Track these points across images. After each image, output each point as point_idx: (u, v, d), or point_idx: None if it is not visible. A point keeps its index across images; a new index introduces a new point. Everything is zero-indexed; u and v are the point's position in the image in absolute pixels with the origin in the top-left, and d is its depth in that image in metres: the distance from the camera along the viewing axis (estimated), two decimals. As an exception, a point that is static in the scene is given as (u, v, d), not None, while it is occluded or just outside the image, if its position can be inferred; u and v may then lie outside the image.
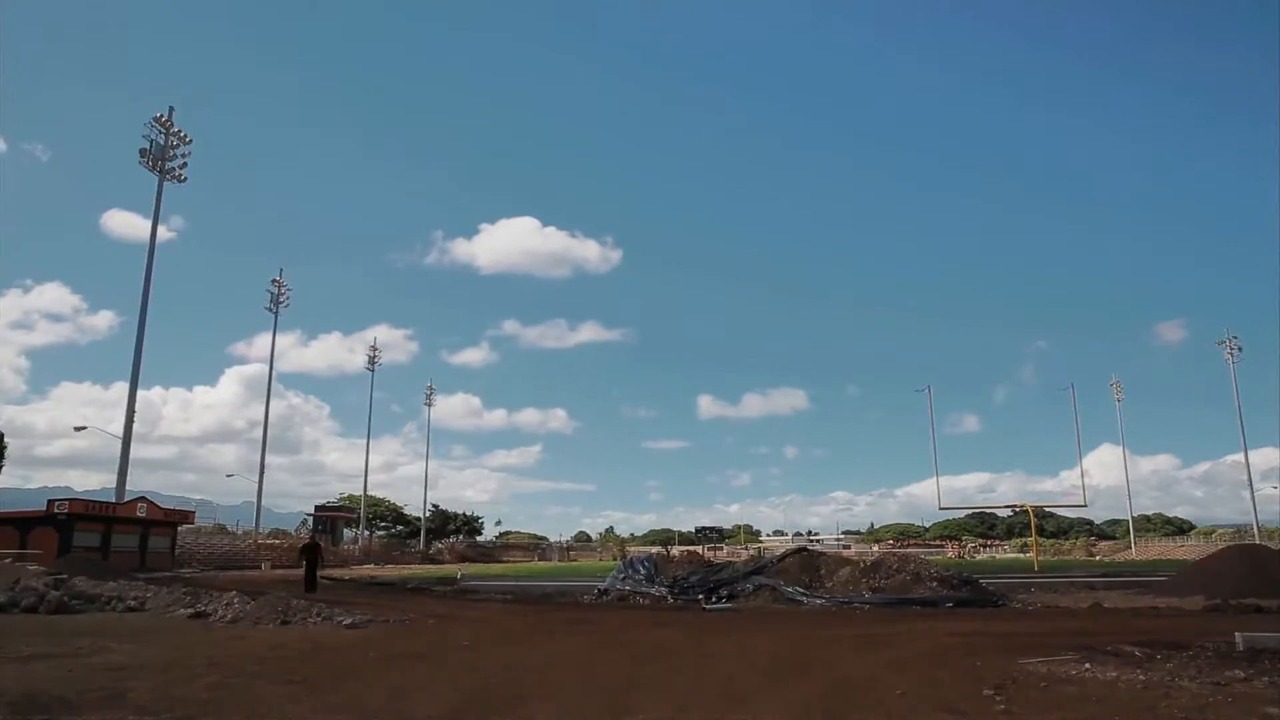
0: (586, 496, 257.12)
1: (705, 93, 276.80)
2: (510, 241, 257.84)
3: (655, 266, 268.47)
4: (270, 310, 71.86)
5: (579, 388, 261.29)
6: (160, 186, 54.32)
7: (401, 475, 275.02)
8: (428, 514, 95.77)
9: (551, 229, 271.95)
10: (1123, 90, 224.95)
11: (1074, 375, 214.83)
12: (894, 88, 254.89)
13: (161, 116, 55.22)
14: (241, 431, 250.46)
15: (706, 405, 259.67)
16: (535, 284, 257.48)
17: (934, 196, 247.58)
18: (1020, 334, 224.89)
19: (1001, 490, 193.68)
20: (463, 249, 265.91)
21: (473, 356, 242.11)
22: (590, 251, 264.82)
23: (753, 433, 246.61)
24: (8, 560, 31.89)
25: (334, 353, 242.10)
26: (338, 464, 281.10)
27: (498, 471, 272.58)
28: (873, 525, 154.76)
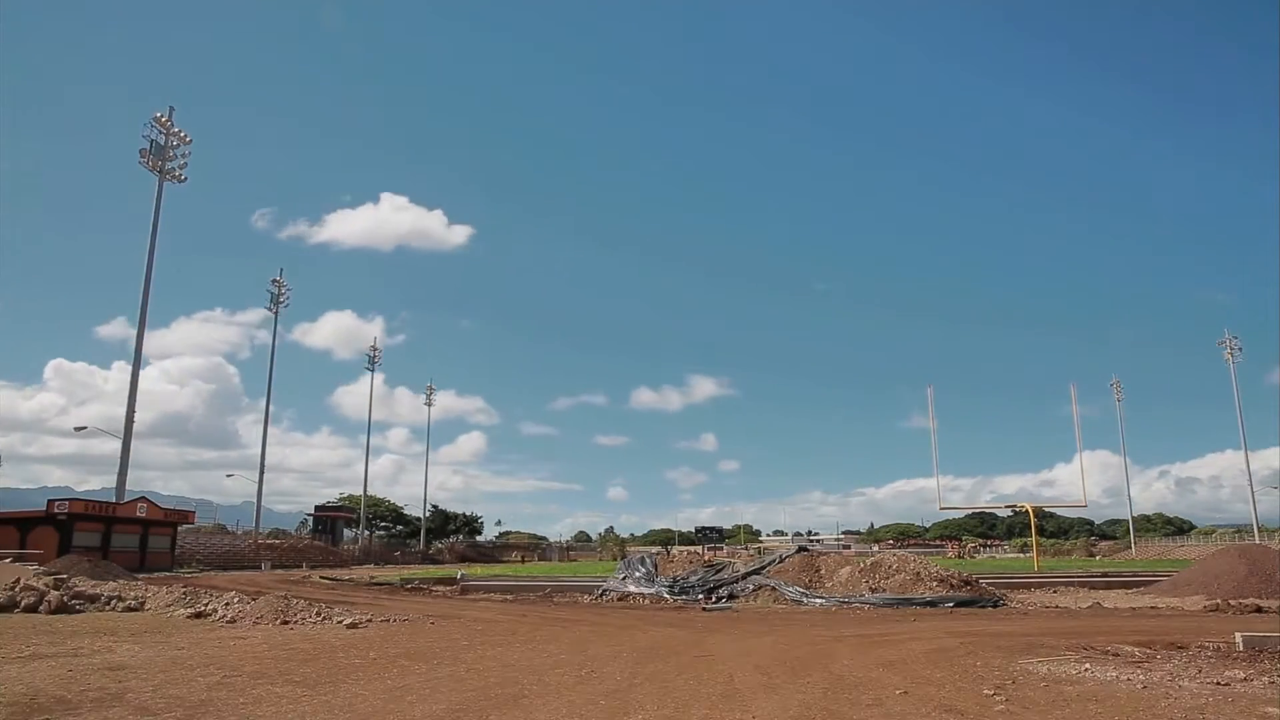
0: (560, 495, 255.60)
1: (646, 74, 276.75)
2: (388, 221, 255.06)
3: (547, 249, 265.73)
4: (270, 310, 71.94)
5: (484, 374, 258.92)
6: (160, 186, 54.34)
7: (356, 473, 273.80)
8: (427, 514, 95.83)
9: (419, 207, 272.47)
10: (1109, 86, 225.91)
11: (1037, 374, 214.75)
12: (826, 60, 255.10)
13: (161, 116, 55.22)
14: (163, 424, 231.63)
15: (639, 396, 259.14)
16: (422, 264, 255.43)
17: (886, 181, 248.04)
18: (978, 330, 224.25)
19: (964, 494, 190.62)
20: (332, 227, 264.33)
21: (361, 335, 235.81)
22: (453, 232, 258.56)
23: (692, 425, 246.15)
24: (8, 560, 31.91)
25: (228, 333, 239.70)
26: (288, 460, 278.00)
27: (454, 466, 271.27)
28: (873, 525, 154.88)
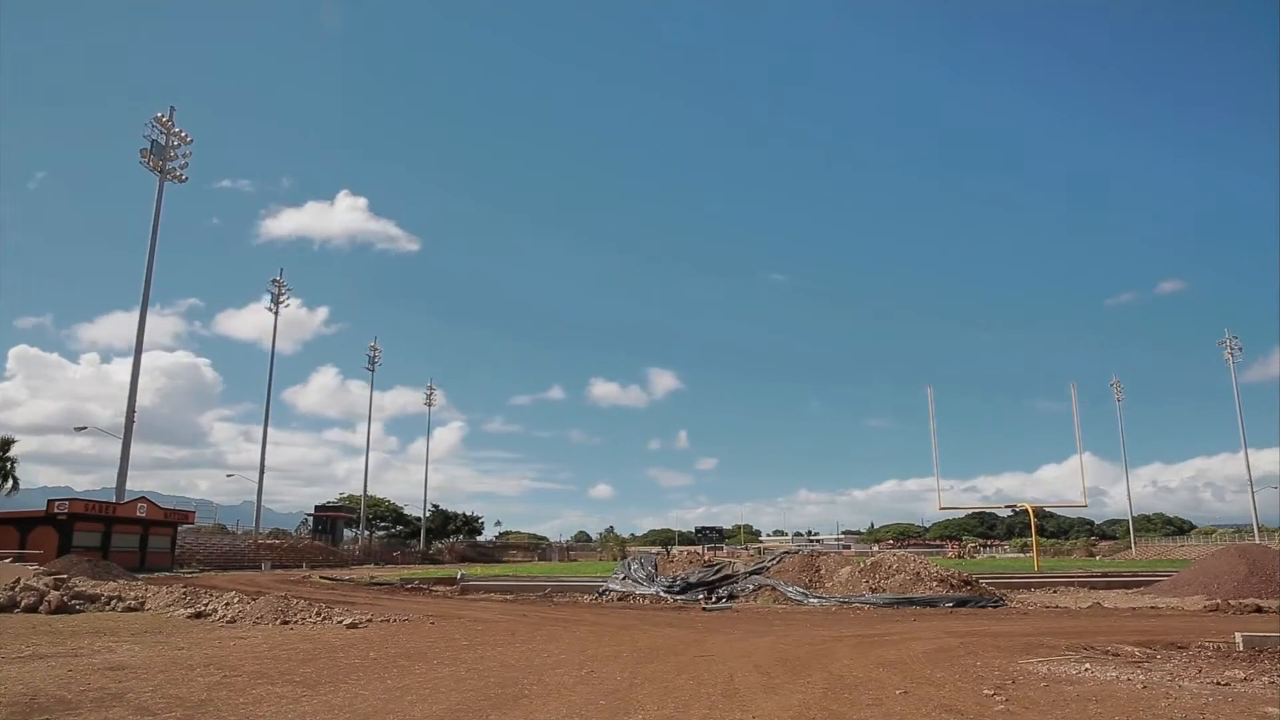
0: (544, 495, 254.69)
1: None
2: (332, 217, 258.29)
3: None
4: (270, 310, 71.97)
5: (437, 369, 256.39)
6: (160, 186, 54.33)
7: (332, 471, 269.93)
8: (428, 514, 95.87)
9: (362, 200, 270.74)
10: (1099, 86, 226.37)
11: (1013, 373, 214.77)
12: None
13: (162, 116, 55.23)
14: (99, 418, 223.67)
15: (597, 391, 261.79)
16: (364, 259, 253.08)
17: (855, 178, 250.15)
18: (950, 330, 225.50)
19: (948, 495, 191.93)
20: (269, 223, 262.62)
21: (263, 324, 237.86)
22: (397, 228, 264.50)
23: (661, 422, 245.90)
24: (8, 560, 31.93)
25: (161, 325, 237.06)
26: (257, 456, 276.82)
27: (432, 465, 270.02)
28: (873, 525, 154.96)
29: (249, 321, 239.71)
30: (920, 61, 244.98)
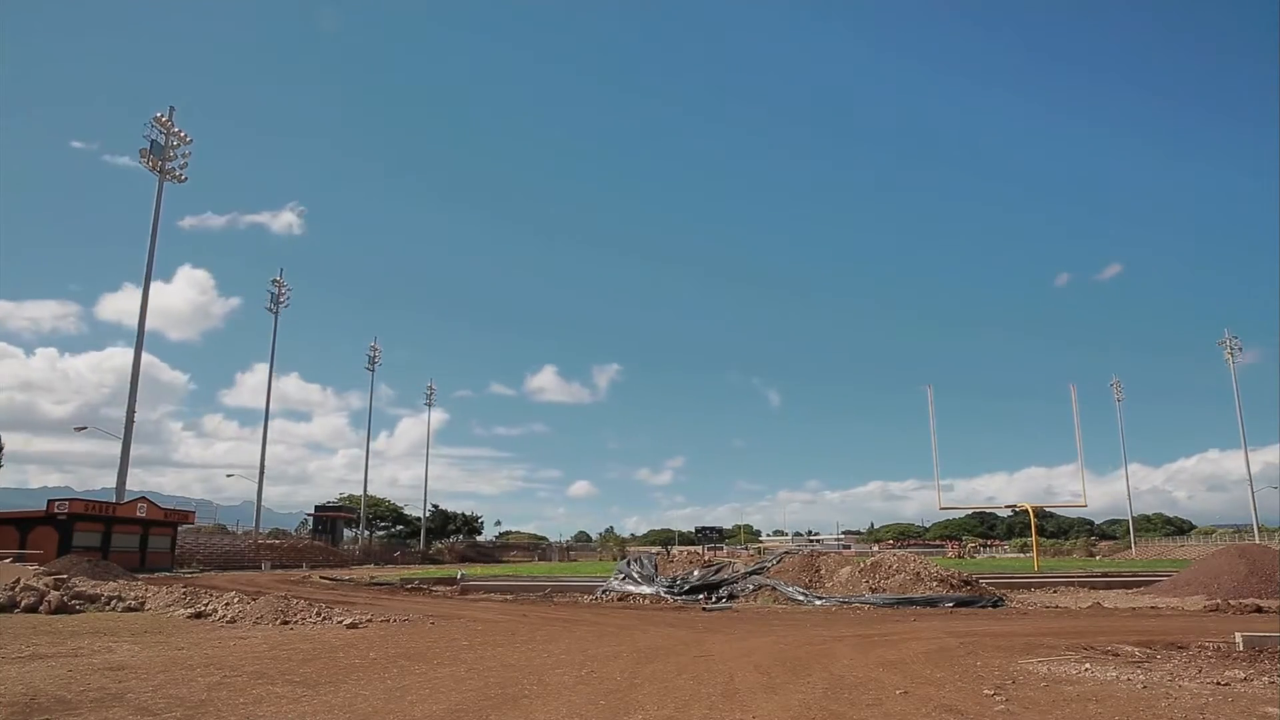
0: (526, 494, 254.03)
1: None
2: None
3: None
4: (270, 310, 71.94)
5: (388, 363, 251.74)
6: (160, 186, 54.31)
7: (306, 470, 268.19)
8: (428, 514, 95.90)
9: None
10: (1091, 87, 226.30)
11: (1000, 374, 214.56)
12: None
13: (161, 116, 55.21)
14: (83, 417, 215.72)
15: (538, 383, 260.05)
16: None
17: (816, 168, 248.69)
18: (918, 327, 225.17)
19: (932, 495, 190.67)
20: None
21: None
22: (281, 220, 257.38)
23: (621, 419, 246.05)
24: (8, 560, 31.92)
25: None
26: (223, 456, 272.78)
27: (404, 461, 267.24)
28: (873, 525, 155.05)
29: (130, 308, 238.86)
30: (914, 60, 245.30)
